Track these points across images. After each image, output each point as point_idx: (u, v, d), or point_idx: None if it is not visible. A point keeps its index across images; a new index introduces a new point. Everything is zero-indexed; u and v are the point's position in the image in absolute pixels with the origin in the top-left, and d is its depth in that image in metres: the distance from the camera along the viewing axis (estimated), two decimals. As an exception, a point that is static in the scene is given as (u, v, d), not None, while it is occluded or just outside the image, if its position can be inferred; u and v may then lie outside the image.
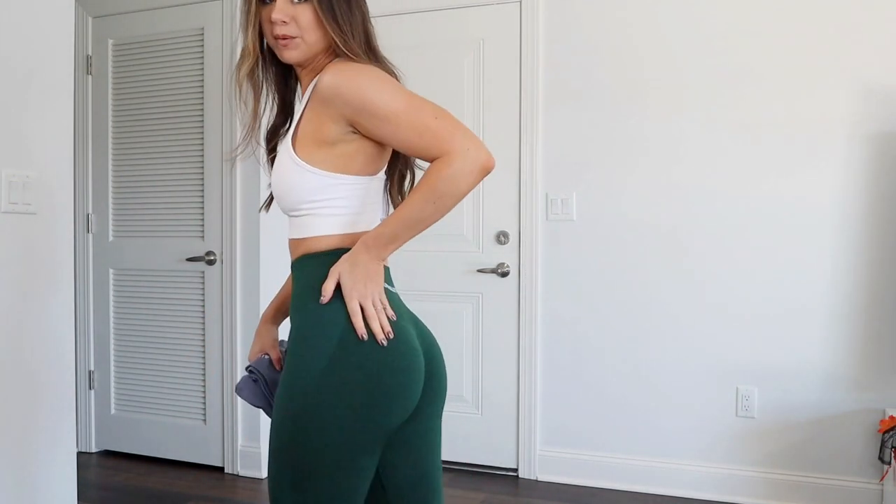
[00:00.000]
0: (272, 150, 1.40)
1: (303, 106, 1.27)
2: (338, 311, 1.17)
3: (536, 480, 3.17)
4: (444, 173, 1.13)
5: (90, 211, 3.54)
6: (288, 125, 1.37)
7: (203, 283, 3.30)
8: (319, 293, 1.18)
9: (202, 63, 3.27)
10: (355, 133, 1.21)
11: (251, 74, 1.33)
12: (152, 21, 3.38)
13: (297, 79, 1.38)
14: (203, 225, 3.29)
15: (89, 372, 3.56)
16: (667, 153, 2.99)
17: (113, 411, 3.52)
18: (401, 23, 3.29)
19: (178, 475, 3.24)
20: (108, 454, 3.55)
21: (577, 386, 3.13)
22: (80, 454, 3.46)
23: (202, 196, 3.29)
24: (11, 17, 1.99)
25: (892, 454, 2.51)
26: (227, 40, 3.20)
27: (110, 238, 3.51)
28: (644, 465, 3.03)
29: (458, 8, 3.25)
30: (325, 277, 1.19)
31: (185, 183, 3.32)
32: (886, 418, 2.58)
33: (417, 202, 1.15)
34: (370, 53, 1.29)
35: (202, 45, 3.27)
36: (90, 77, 3.52)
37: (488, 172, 1.18)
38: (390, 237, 1.18)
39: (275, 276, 3.28)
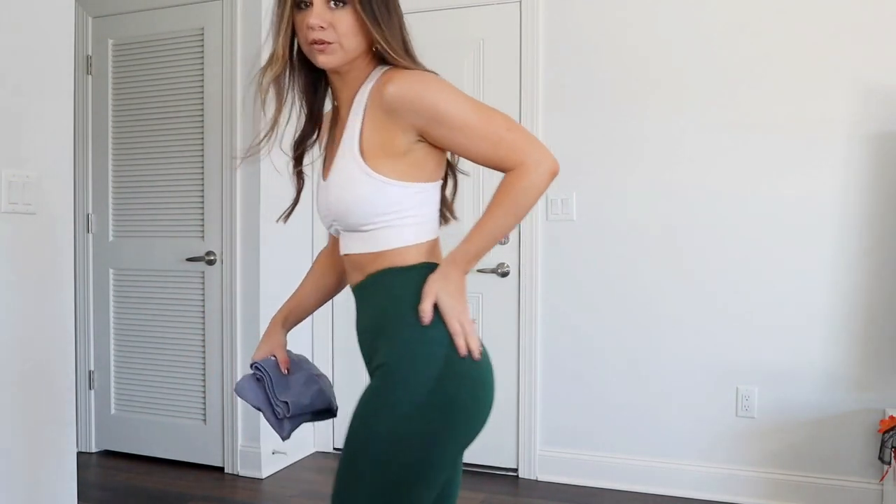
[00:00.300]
0: (299, 161, 1.38)
1: (360, 116, 1.24)
2: (440, 329, 1.18)
3: (536, 480, 3.17)
4: (524, 185, 1.18)
5: (90, 211, 3.54)
6: (316, 135, 1.37)
7: (203, 283, 3.30)
8: (415, 311, 1.18)
9: (202, 63, 3.27)
10: (422, 141, 1.22)
11: (277, 81, 1.29)
12: (152, 21, 3.38)
13: (326, 86, 1.36)
14: (203, 225, 3.29)
15: (89, 372, 3.56)
16: (667, 153, 2.99)
17: (113, 411, 3.52)
18: (401, 23, 3.28)
19: (178, 475, 3.24)
20: (108, 454, 3.55)
21: (577, 386, 3.13)
22: (80, 454, 3.46)
23: (202, 196, 3.29)
24: (11, 17, 1.99)
25: (892, 454, 2.51)
26: (227, 40, 3.20)
27: (110, 238, 3.51)
28: (644, 465, 3.03)
29: (458, 8, 3.25)
30: (417, 293, 1.19)
31: (185, 183, 3.32)
32: (886, 418, 2.58)
33: (501, 216, 1.19)
34: (409, 57, 1.28)
35: (202, 45, 3.27)
36: (90, 77, 3.52)
37: (555, 177, 1.23)
38: (476, 253, 1.21)
39: (275, 276, 3.28)
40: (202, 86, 3.27)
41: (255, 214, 3.19)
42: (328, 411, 1.44)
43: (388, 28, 1.24)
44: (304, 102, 1.35)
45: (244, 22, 3.19)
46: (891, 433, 2.52)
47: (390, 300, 1.22)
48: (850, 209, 2.78)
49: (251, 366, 1.41)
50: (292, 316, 1.50)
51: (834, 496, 2.78)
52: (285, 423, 1.39)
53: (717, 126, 2.92)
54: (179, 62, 3.33)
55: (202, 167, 3.28)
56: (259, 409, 1.39)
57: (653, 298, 3.02)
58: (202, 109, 3.27)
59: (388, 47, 1.23)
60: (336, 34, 1.22)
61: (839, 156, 2.78)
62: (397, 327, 1.20)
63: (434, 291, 1.18)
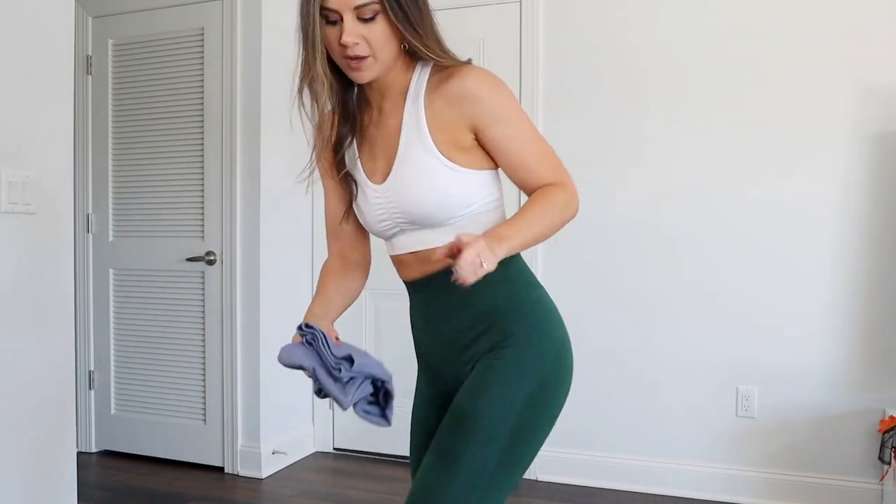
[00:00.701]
0: (342, 163, 1.34)
1: (419, 112, 1.25)
2: (555, 311, 1.38)
3: (536, 480, 3.17)
4: (566, 199, 1.24)
5: (90, 211, 3.54)
6: (351, 137, 1.33)
7: (203, 283, 3.30)
8: (533, 293, 1.33)
9: (202, 63, 3.27)
10: (475, 139, 1.25)
11: (318, 100, 1.27)
12: (152, 21, 3.38)
13: (355, 86, 1.33)
14: (203, 225, 3.29)
15: (89, 372, 3.56)
16: (667, 153, 2.99)
17: (113, 411, 3.52)
18: (401, 23, 3.28)
19: (178, 475, 3.24)
20: (108, 454, 3.55)
21: (577, 386, 3.10)
22: (80, 454, 3.46)
23: (202, 196, 3.29)
24: (11, 17, 1.99)
25: (892, 454, 2.51)
26: (227, 40, 3.20)
27: (110, 238, 3.51)
28: (644, 465, 3.03)
29: (458, 8, 3.25)
30: (526, 273, 1.35)
31: (185, 183, 3.32)
32: (886, 418, 2.58)
33: (549, 216, 1.23)
34: (448, 54, 1.27)
35: (202, 45, 3.27)
36: (90, 77, 3.52)
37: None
38: (519, 246, 1.20)
39: (275, 276, 3.28)
40: (202, 86, 3.27)
41: (255, 214, 3.19)
42: (387, 391, 1.27)
43: (423, 29, 1.23)
44: (339, 104, 1.32)
45: (244, 22, 3.19)
46: (891, 433, 2.51)
47: (507, 283, 1.28)
48: (850, 209, 2.78)
49: (299, 328, 1.26)
50: (329, 316, 1.37)
51: (834, 496, 2.78)
52: (348, 386, 1.23)
53: (716, 126, 2.92)
54: (179, 62, 3.33)
55: (202, 167, 3.28)
56: (313, 376, 1.23)
57: (653, 298, 3.02)
58: (202, 109, 3.27)
59: (428, 51, 1.23)
60: (370, 47, 1.20)
61: (839, 156, 2.78)
62: (520, 307, 1.29)
63: (480, 247, 1.07)
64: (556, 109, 3.13)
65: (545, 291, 1.38)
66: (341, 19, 1.18)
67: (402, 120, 1.26)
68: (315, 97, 1.26)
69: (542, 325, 1.31)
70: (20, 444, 2.03)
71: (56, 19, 2.11)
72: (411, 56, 1.27)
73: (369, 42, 1.19)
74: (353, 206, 1.36)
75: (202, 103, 3.27)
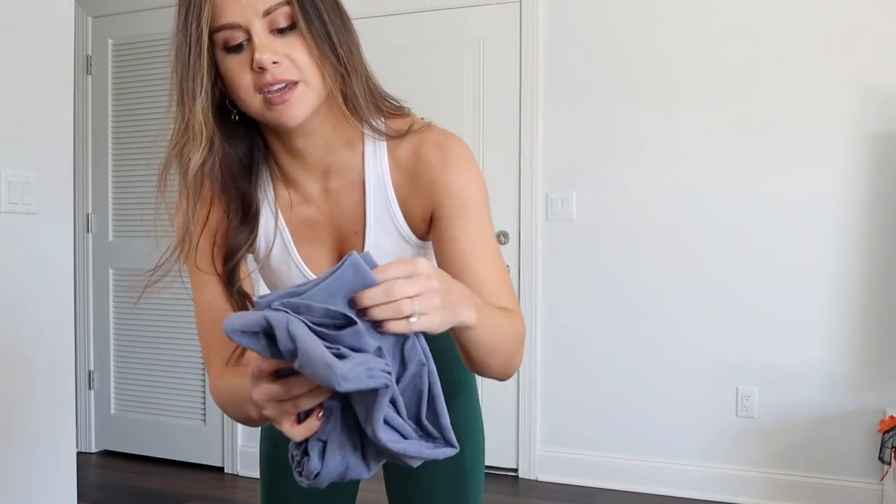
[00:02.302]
0: (233, 278, 0.96)
1: (389, 196, 0.97)
2: None
3: (536, 480, 3.17)
4: (517, 327, 0.91)
5: (90, 211, 3.54)
6: (253, 236, 0.96)
7: (203, 283, 3.30)
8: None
9: (202, 63, 3.27)
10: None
11: (203, 165, 0.91)
12: (152, 21, 3.38)
13: (259, 158, 0.97)
14: (203, 225, 3.29)
15: (89, 372, 3.56)
16: (666, 153, 2.99)
17: (113, 411, 3.52)
18: (401, 23, 3.29)
19: (178, 475, 3.24)
20: (108, 454, 3.55)
21: (577, 386, 3.13)
22: (80, 454, 3.46)
23: (202, 196, 3.29)
24: (11, 17, 1.99)
25: (892, 454, 2.50)
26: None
27: (110, 238, 3.51)
28: (644, 465, 3.03)
29: (458, 8, 3.25)
30: None
31: (185, 183, 3.32)
32: (886, 418, 2.57)
33: (510, 342, 0.89)
34: (386, 100, 0.97)
35: (202, 45, 3.27)
36: (90, 77, 3.52)
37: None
38: (478, 328, 0.80)
39: (275, 276, 3.28)
40: (202, 86, 3.27)
41: (255, 214, 3.19)
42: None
43: (349, 55, 0.89)
44: (234, 187, 0.95)
45: (244, 22, 3.19)
46: (891, 433, 2.51)
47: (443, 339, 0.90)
48: (850, 209, 2.78)
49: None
50: None
51: (834, 496, 2.78)
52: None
53: (716, 126, 2.92)
54: (179, 62, 3.32)
55: (202, 167, 3.28)
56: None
57: (653, 298, 3.02)
58: (202, 109, 3.27)
59: (341, 86, 0.88)
60: (297, 68, 0.86)
61: (840, 156, 2.78)
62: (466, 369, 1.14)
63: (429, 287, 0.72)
64: (556, 109, 3.12)
65: None
66: (248, 38, 0.85)
67: (364, 206, 0.97)
68: (200, 162, 0.91)
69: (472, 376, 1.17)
70: (20, 444, 2.03)
71: (56, 19, 2.11)
72: (345, 105, 0.92)
73: (294, 60, 0.86)
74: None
75: (202, 103, 3.27)
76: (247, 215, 0.95)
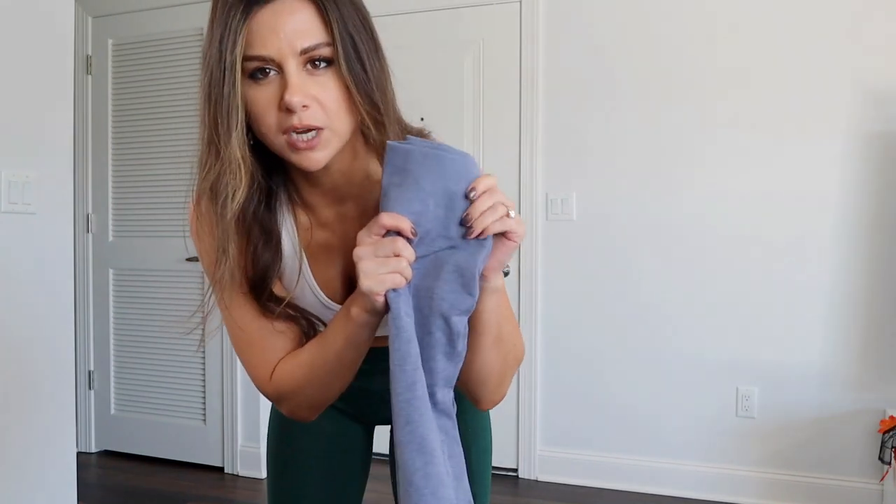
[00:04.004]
0: (270, 296, 0.93)
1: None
2: None
3: (536, 480, 3.17)
4: (521, 349, 0.97)
5: (90, 211, 3.54)
6: (280, 261, 0.94)
7: (203, 282, 3.30)
8: None
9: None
10: None
11: (245, 202, 0.88)
12: (152, 21, 3.38)
13: (280, 184, 0.96)
14: (203, 225, 3.29)
15: (89, 372, 3.56)
16: (666, 153, 2.99)
17: (113, 411, 3.52)
18: (401, 23, 3.29)
19: (178, 475, 3.24)
20: (108, 454, 3.55)
21: (577, 386, 3.13)
22: (80, 454, 3.46)
23: (202, 196, 3.28)
24: (11, 17, 1.99)
25: (892, 454, 2.50)
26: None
27: (110, 238, 3.51)
28: (644, 465, 3.03)
29: (458, 8, 3.25)
30: None
31: (185, 183, 3.30)
32: (886, 418, 2.58)
33: (514, 347, 0.96)
34: (406, 128, 0.94)
35: (202, 45, 3.26)
36: (90, 77, 3.52)
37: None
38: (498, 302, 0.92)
39: (275, 276, 3.28)
40: (202, 86, 3.27)
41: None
42: None
43: (384, 96, 0.87)
44: (258, 218, 0.91)
45: (244, 22, 3.19)
46: (891, 433, 2.51)
47: None
48: (850, 209, 2.78)
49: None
50: None
51: (834, 496, 2.78)
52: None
53: (716, 126, 2.92)
54: (179, 62, 3.33)
55: (202, 167, 3.28)
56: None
57: (653, 298, 3.02)
58: (202, 109, 3.27)
59: (373, 124, 0.86)
60: (324, 113, 0.83)
61: (839, 155, 2.78)
62: None
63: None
64: (555, 109, 3.12)
65: None
66: (279, 70, 0.81)
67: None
68: (227, 196, 0.86)
69: None
70: (20, 444, 2.03)
71: (56, 19, 2.11)
72: (365, 138, 0.91)
73: (323, 104, 0.82)
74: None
75: (202, 103, 3.27)
76: (269, 239, 0.92)
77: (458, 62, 3.26)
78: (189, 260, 3.29)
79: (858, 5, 2.74)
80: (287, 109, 0.81)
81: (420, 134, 0.96)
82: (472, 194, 0.80)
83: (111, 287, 3.51)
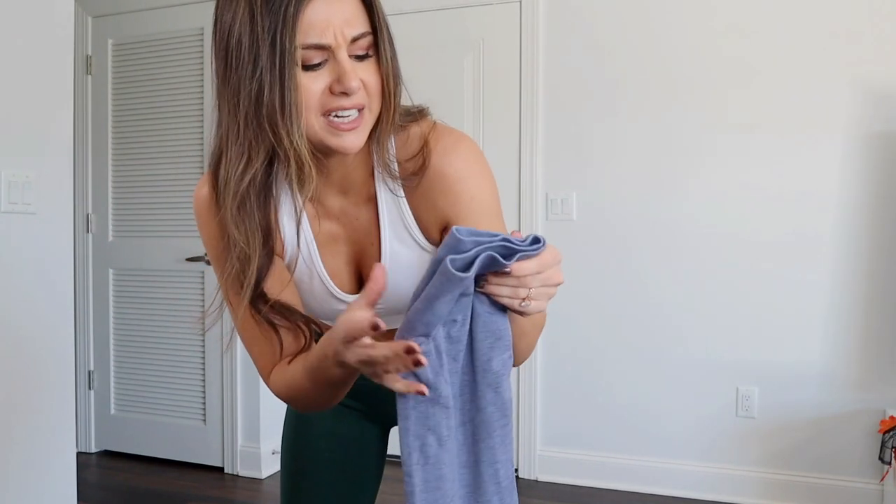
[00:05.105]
0: (259, 295, 0.92)
1: (402, 206, 0.97)
2: None
3: (536, 480, 3.17)
4: (543, 317, 0.97)
5: (90, 211, 3.54)
6: (273, 254, 0.94)
7: (203, 283, 3.30)
8: None
9: (202, 63, 3.27)
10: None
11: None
12: (152, 21, 3.38)
13: (282, 179, 0.94)
14: (203, 225, 3.29)
15: (89, 372, 3.56)
16: (666, 153, 2.99)
17: (113, 411, 3.52)
18: (401, 23, 3.29)
19: (177, 475, 3.24)
20: (108, 454, 3.55)
21: (576, 386, 3.13)
22: (80, 454, 3.46)
23: (202, 196, 3.28)
24: (12, 17, 1.99)
25: (893, 454, 2.50)
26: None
27: (110, 238, 3.51)
28: (644, 465, 3.03)
29: (458, 8, 3.25)
30: None
31: (185, 183, 3.32)
32: (886, 418, 2.58)
33: (535, 331, 0.97)
34: (407, 117, 0.98)
35: (202, 45, 3.26)
36: (90, 77, 3.52)
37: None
38: None
39: (275, 276, 3.28)
40: (202, 86, 3.27)
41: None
42: None
43: (399, 83, 0.92)
44: (263, 213, 0.92)
45: (244, 22, 3.19)
46: (891, 433, 2.51)
47: None
48: (850, 209, 2.78)
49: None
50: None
51: (834, 496, 2.78)
52: None
53: (717, 126, 2.92)
54: (179, 62, 3.33)
55: (202, 167, 3.28)
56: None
57: (653, 298, 3.02)
58: (202, 109, 3.27)
59: (391, 111, 0.91)
60: (367, 95, 0.88)
61: (839, 155, 2.78)
62: None
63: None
64: (555, 109, 3.13)
65: None
66: (331, 57, 0.84)
67: (378, 218, 0.98)
68: (300, 189, 0.88)
69: None
70: (20, 444, 2.03)
71: (56, 19, 2.11)
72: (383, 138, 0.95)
73: (367, 87, 0.87)
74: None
75: (202, 103, 3.27)
76: (267, 238, 0.92)
77: (458, 62, 3.26)
78: (189, 260, 3.29)
79: (858, 5, 2.74)
80: (342, 93, 0.84)
81: (419, 112, 0.98)
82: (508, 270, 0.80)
83: (111, 287, 3.51)
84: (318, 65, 0.83)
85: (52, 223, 2.11)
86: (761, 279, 2.87)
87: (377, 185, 0.97)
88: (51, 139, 2.10)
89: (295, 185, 0.91)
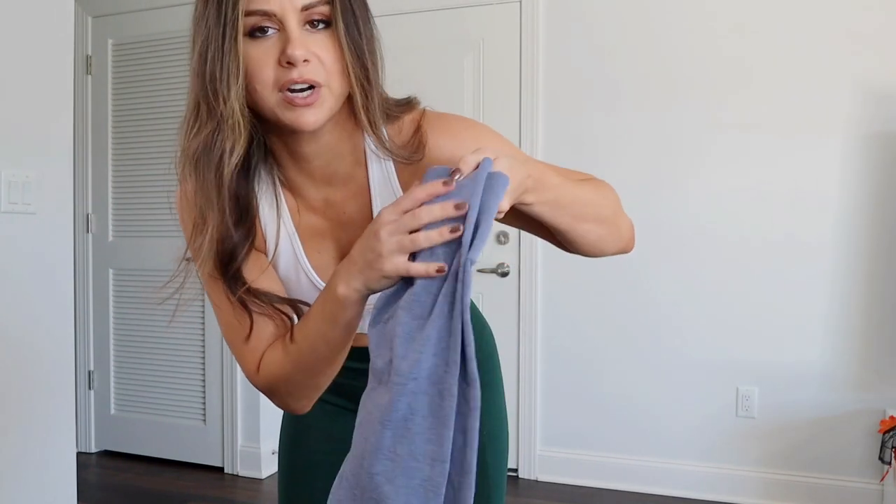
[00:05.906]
0: (237, 280, 0.91)
1: (394, 187, 0.93)
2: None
3: (536, 480, 3.17)
4: (609, 190, 1.11)
5: (90, 211, 3.54)
6: (251, 239, 0.91)
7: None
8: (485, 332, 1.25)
9: (202, 63, 3.27)
10: None
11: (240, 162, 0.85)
12: (152, 21, 3.38)
13: (261, 160, 0.92)
14: (203, 225, 3.29)
15: (89, 372, 3.56)
16: (666, 153, 2.99)
17: (113, 411, 3.52)
18: (401, 23, 3.29)
19: (177, 475, 3.24)
20: (108, 454, 3.55)
21: (577, 386, 3.13)
22: (80, 454, 3.46)
23: (202, 196, 3.28)
24: (11, 17, 1.99)
25: (893, 454, 2.51)
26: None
27: (110, 238, 3.51)
28: (644, 465, 3.03)
29: (458, 8, 3.25)
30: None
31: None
32: (886, 418, 2.58)
33: (600, 199, 1.07)
34: (384, 111, 0.91)
35: (202, 45, 3.27)
36: (90, 77, 3.52)
37: None
38: (555, 201, 0.92)
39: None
40: (202, 86, 3.27)
41: (255, 214, 3.19)
42: None
43: (373, 61, 0.86)
44: (231, 190, 0.87)
45: (244, 22, 3.19)
46: (891, 433, 2.52)
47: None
48: (850, 209, 2.78)
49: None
50: None
51: (834, 496, 2.78)
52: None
53: (717, 125, 2.92)
54: (179, 62, 3.32)
55: (202, 167, 3.28)
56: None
57: (653, 298, 3.02)
58: (202, 109, 3.27)
59: (363, 98, 0.85)
60: (324, 71, 0.82)
61: (839, 155, 2.78)
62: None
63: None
64: (555, 109, 3.12)
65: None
66: (278, 28, 0.81)
67: (371, 210, 0.94)
68: (224, 153, 0.83)
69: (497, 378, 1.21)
70: (20, 444, 2.03)
71: (56, 19, 2.11)
72: (354, 115, 0.89)
73: (322, 62, 0.82)
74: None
75: (202, 103, 3.27)
76: (244, 217, 0.89)
77: (458, 62, 3.26)
78: (189, 260, 3.29)
79: (859, 5, 2.74)
80: (288, 63, 0.80)
81: (407, 104, 0.94)
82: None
83: (111, 287, 3.51)
84: (266, 33, 0.80)
85: (53, 223, 2.11)
86: (761, 279, 2.87)
87: (370, 174, 0.92)
88: (51, 139, 2.10)
89: (276, 175, 0.90)
